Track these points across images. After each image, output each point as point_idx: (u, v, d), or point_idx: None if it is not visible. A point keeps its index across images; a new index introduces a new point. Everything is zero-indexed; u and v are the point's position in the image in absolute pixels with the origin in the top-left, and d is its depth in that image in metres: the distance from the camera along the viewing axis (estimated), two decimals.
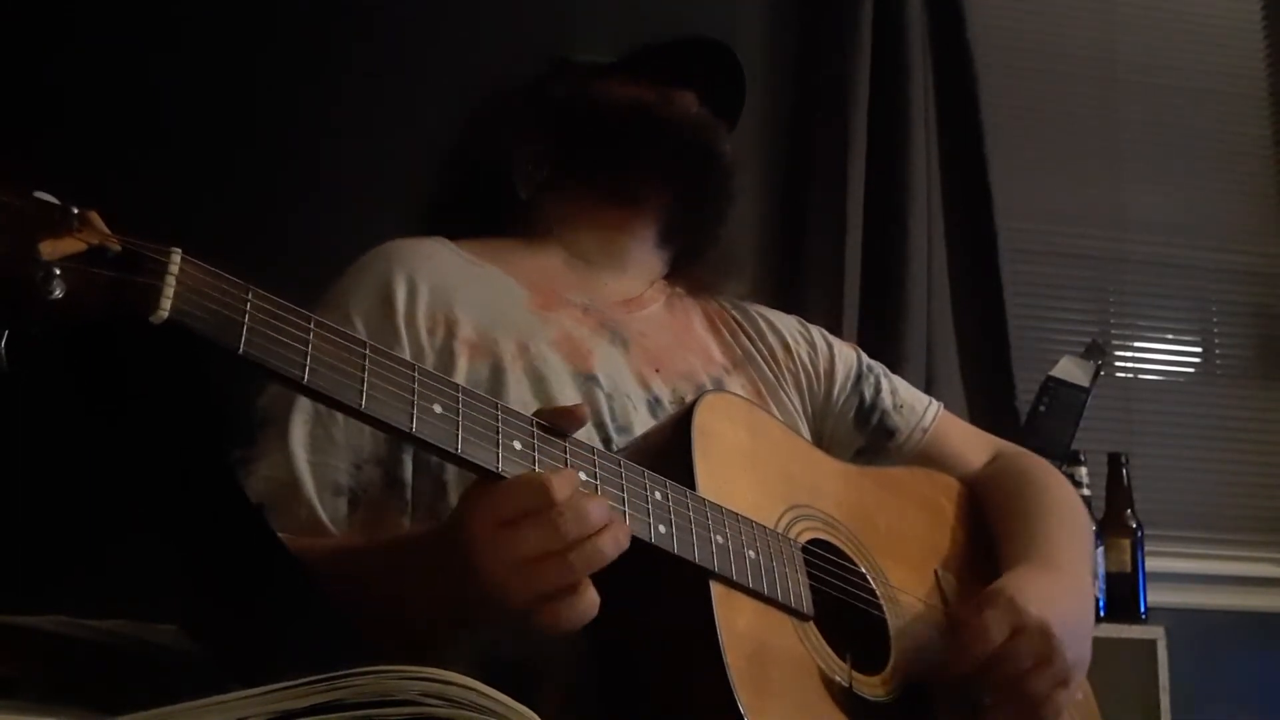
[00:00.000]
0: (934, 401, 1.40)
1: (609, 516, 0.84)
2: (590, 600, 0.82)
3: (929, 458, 1.34)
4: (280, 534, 0.98)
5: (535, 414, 0.90)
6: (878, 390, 1.36)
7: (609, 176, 1.30)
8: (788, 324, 1.39)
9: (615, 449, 1.07)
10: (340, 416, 1.07)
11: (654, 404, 1.18)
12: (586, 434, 1.00)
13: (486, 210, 1.32)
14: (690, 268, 1.38)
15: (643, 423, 1.14)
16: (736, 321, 1.37)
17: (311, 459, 1.07)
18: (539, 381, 1.13)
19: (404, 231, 1.28)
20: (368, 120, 2.02)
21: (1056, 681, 1.04)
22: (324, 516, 1.05)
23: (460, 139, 1.41)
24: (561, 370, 1.15)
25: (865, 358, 1.40)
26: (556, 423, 0.90)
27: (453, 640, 0.91)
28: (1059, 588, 1.12)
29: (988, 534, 1.24)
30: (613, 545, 0.83)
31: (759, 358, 1.33)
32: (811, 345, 1.37)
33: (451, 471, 1.08)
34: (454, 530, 0.86)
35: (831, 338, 1.40)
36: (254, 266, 0.78)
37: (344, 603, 0.90)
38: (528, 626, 0.83)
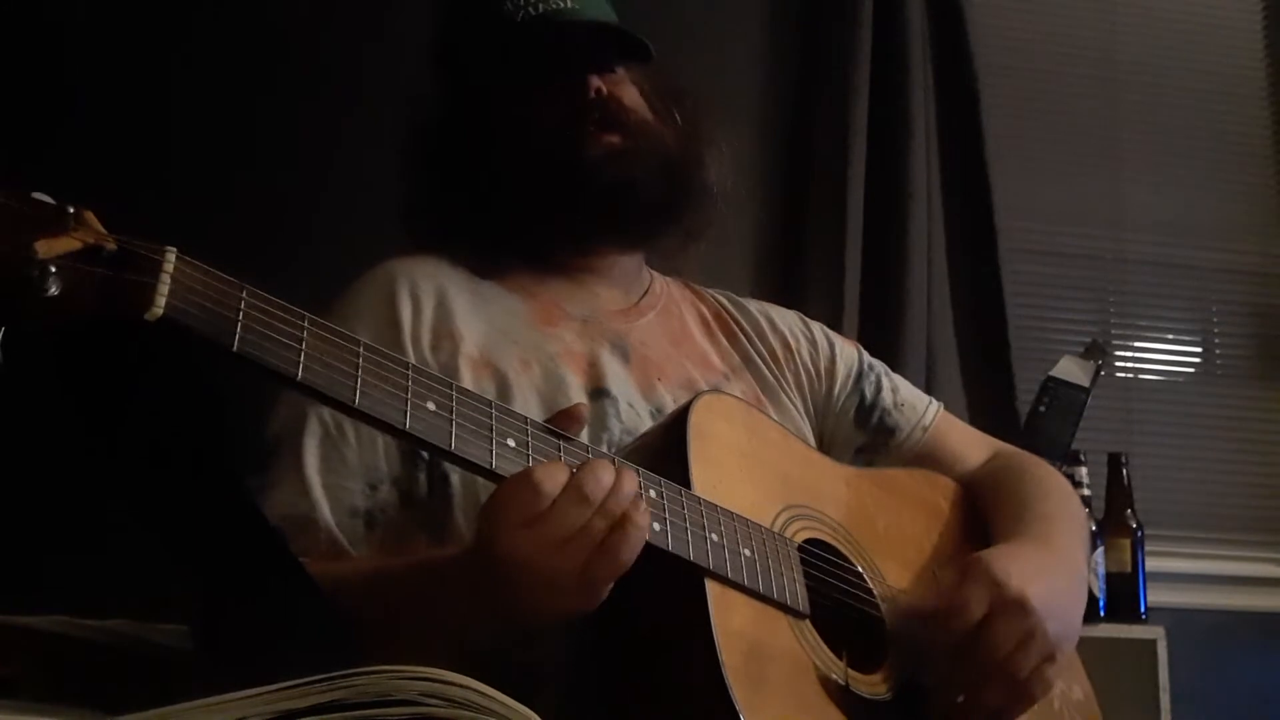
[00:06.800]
0: (934, 401, 1.40)
1: (615, 469, 0.87)
2: (637, 530, 0.86)
3: (928, 457, 1.34)
4: (302, 560, 0.97)
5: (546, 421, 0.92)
6: (878, 389, 1.36)
7: (547, 248, 1.27)
8: (788, 320, 1.38)
9: (612, 452, 1.07)
10: (351, 438, 1.08)
11: (657, 415, 1.18)
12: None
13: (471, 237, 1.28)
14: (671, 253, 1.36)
15: None
16: (735, 321, 1.35)
17: (326, 482, 1.07)
18: (548, 398, 1.13)
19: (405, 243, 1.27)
20: (369, 128, 2.02)
21: (1042, 657, 1.03)
22: (343, 539, 1.06)
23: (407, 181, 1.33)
24: (573, 385, 1.15)
25: (866, 355, 1.40)
26: (560, 427, 0.91)
27: (501, 656, 0.91)
28: (1044, 559, 1.11)
29: (986, 535, 1.23)
30: (631, 484, 0.87)
31: (758, 359, 1.32)
32: (813, 343, 1.36)
33: (456, 486, 1.09)
34: (481, 553, 0.87)
35: (833, 335, 1.40)
36: (256, 279, 0.78)
37: (376, 631, 0.92)
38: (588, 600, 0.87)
